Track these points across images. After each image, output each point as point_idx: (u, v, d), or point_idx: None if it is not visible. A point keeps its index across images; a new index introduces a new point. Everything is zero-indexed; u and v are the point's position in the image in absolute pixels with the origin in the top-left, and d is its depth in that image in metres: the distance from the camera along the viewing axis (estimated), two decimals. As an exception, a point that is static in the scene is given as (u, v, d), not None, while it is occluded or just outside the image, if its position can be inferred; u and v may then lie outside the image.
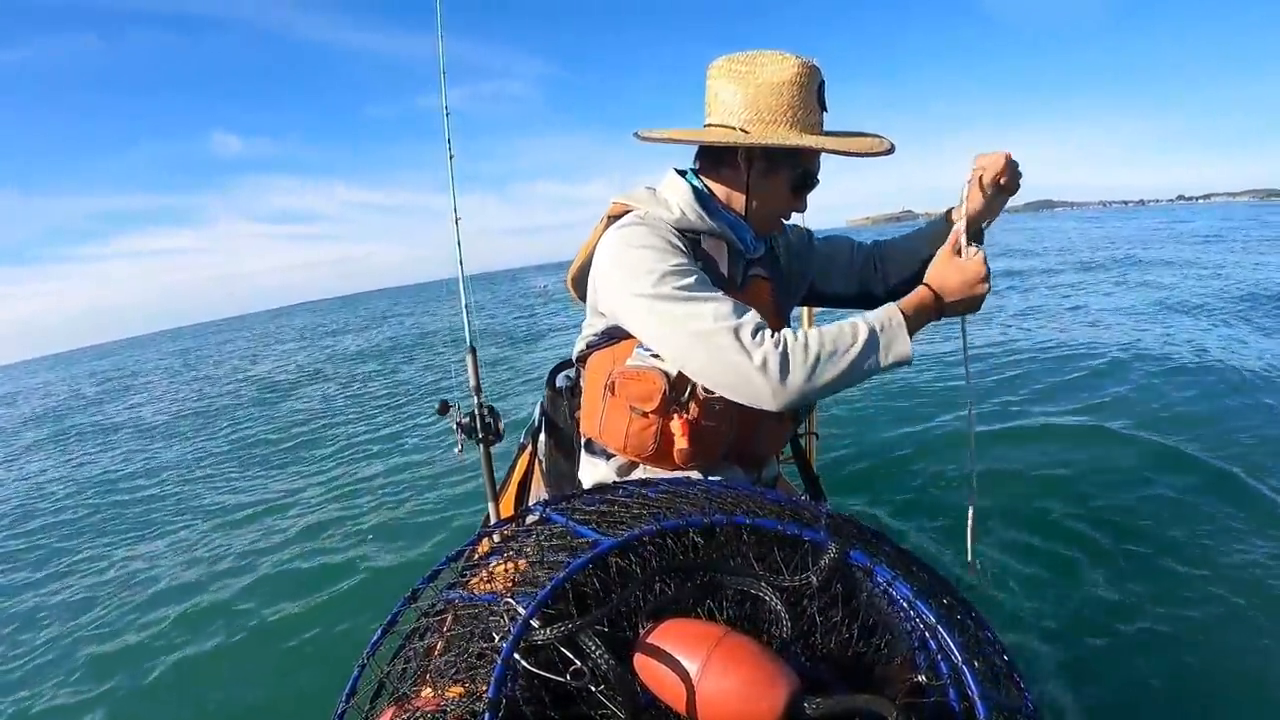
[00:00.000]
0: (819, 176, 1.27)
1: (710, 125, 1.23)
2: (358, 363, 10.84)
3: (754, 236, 1.29)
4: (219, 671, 2.42)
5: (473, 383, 1.95)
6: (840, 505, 1.11)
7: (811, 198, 1.30)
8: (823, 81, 1.19)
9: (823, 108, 1.20)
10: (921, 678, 0.63)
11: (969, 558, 1.14)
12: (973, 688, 0.61)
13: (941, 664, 0.64)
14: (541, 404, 1.51)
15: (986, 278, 1.14)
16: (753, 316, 1.07)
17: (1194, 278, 10.03)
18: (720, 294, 1.10)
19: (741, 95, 1.17)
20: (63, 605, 3.02)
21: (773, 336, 1.05)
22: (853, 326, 1.07)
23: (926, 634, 0.66)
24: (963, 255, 1.16)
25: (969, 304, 1.16)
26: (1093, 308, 8.23)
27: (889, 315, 1.09)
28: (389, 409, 6.25)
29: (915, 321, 1.11)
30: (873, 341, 1.06)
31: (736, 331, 1.04)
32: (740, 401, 1.07)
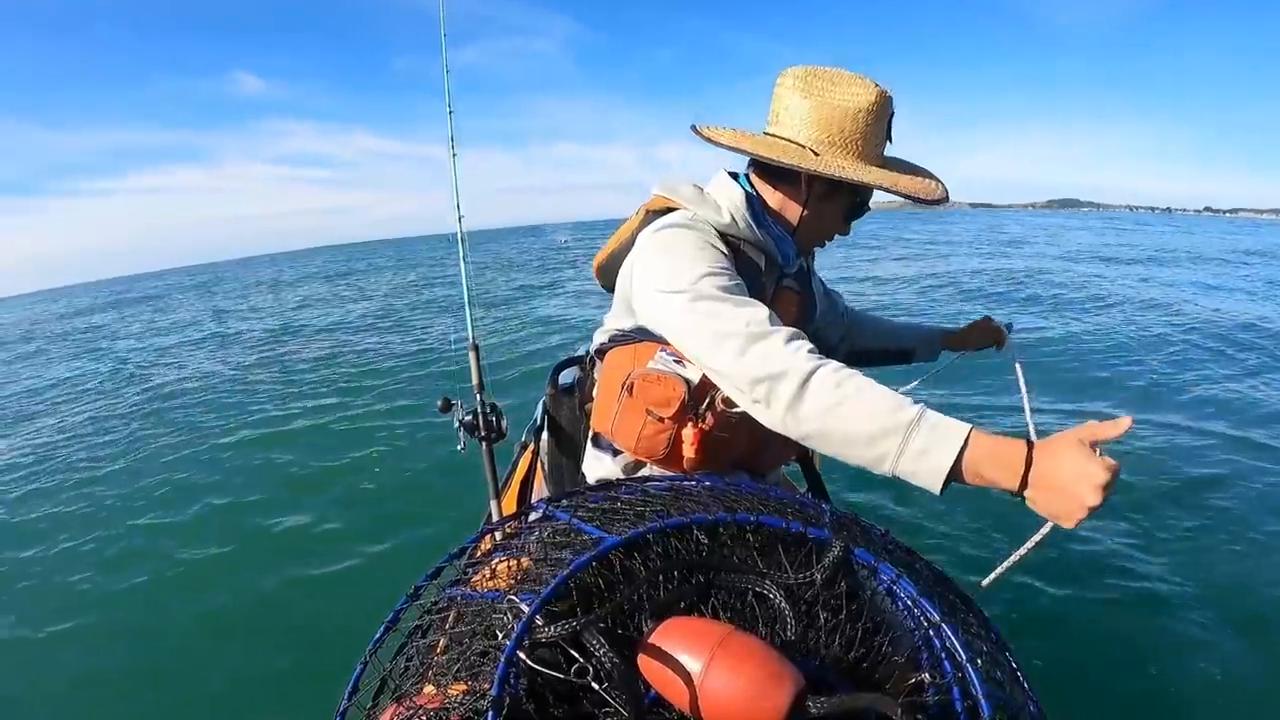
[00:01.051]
0: (870, 204, 1.26)
1: (772, 134, 1.19)
2: (359, 335, 10.62)
3: (795, 253, 1.27)
4: (218, 668, 2.41)
5: (475, 380, 1.95)
6: (844, 504, 1.09)
7: None
8: (893, 113, 1.16)
9: (889, 139, 1.18)
10: (926, 676, 0.63)
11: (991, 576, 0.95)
12: (977, 687, 0.61)
13: (945, 663, 0.63)
14: (544, 402, 1.51)
15: (1106, 489, 0.77)
16: (788, 328, 1.00)
17: None
18: (758, 303, 1.04)
19: (815, 114, 1.13)
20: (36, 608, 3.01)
21: (811, 348, 0.96)
22: (899, 402, 0.88)
23: (930, 633, 0.66)
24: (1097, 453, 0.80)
25: (1062, 505, 0.80)
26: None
27: (951, 427, 0.85)
28: (386, 399, 6.23)
29: (978, 458, 0.83)
30: (910, 433, 0.85)
31: (770, 335, 0.97)
32: (751, 408, 0.99)
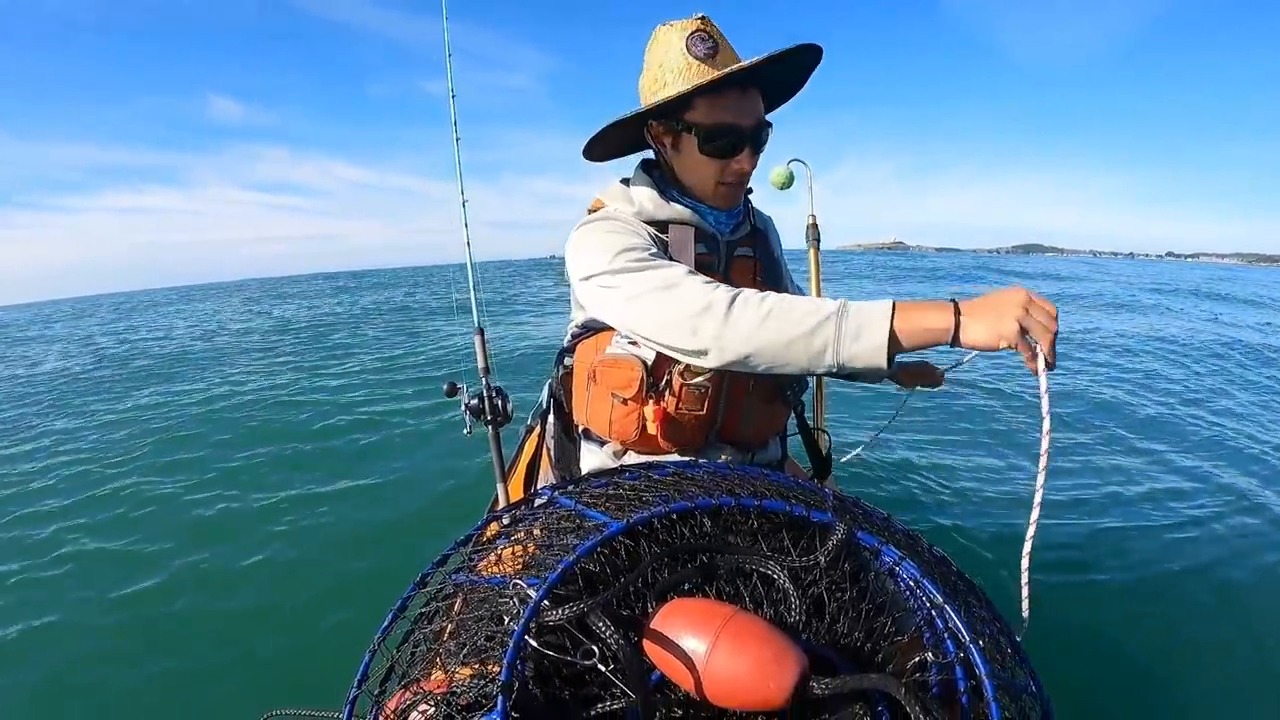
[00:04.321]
0: (739, 126, 1.14)
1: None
2: (359, 337, 10.68)
3: (723, 215, 1.25)
4: (227, 656, 2.42)
5: (481, 364, 1.95)
6: (851, 490, 1.10)
7: (801, 219, 1.27)
8: (696, 30, 1.11)
9: (698, 54, 1.11)
10: (929, 656, 0.63)
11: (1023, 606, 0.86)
12: (980, 666, 0.61)
13: (948, 643, 0.64)
14: (550, 385, 1.51)
15: (1029, 308, 0.84)
16: (705, 277, 1.03)
17: None
18: (675, 264, 1.07)
19: (641, 81, 1.18)
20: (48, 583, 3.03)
21: (725, 286, 1.00)
22: (821, 300, 0.94)
23: (933, 613, 0.67)
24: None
25: (993, 321, 0.85)
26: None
27: (871, 304, 0.91)
28: (392, 386, 6.26)
29: (910, 318, 0.89)
30: (840, 319, 0.90)
31: (684, 283, 1.01)
32: (689, 358, 1.02)
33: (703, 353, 1.00)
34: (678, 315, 0.99)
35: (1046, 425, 0.84)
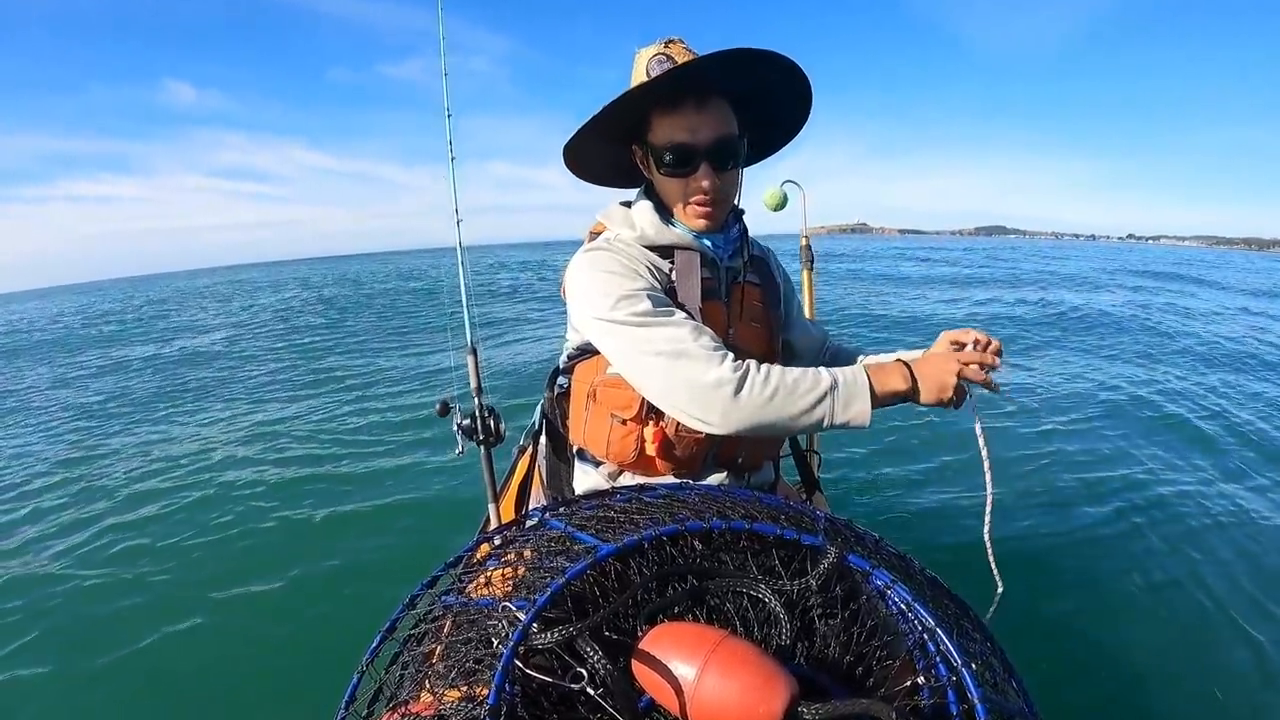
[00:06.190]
0: (690, 143, 1.12)
1: None
2: (339, 341, 10.50)
3: (717, 239, 1.24)
4: (212, 677, 2.39)
5: (474, 384, 1.94)
6: (842, 510, 1.11)
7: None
8: (657, 54, 1.14)
9: (654, 76, 1.12)
10: (920, 680, 0.63)
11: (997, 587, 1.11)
12: (972, 691, 0.61)
13: (940, 667, 0.63)
14: (541, 406, 1.51)
15: (961, 374, 1.05)
16: (710, 338, 1.06)
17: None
18: (678, 316, 1.08)
19: None
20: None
21: (733, 358, 1.04)
22: (816, 374, 1.04)
23: (925, 637, 0.66)
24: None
25: (937, 386, 1.05)
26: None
27: (855, 374, 1.05)
28: (382, 402, 6.22)
29: (880, 385, 1.05)
30: (833, 393, 1.02)
31: (691, 352, 1.03)
32: (693, 423, 1.05)
33: (708, 424, 1.03)
34: (686, 386, 1.02)
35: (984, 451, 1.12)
